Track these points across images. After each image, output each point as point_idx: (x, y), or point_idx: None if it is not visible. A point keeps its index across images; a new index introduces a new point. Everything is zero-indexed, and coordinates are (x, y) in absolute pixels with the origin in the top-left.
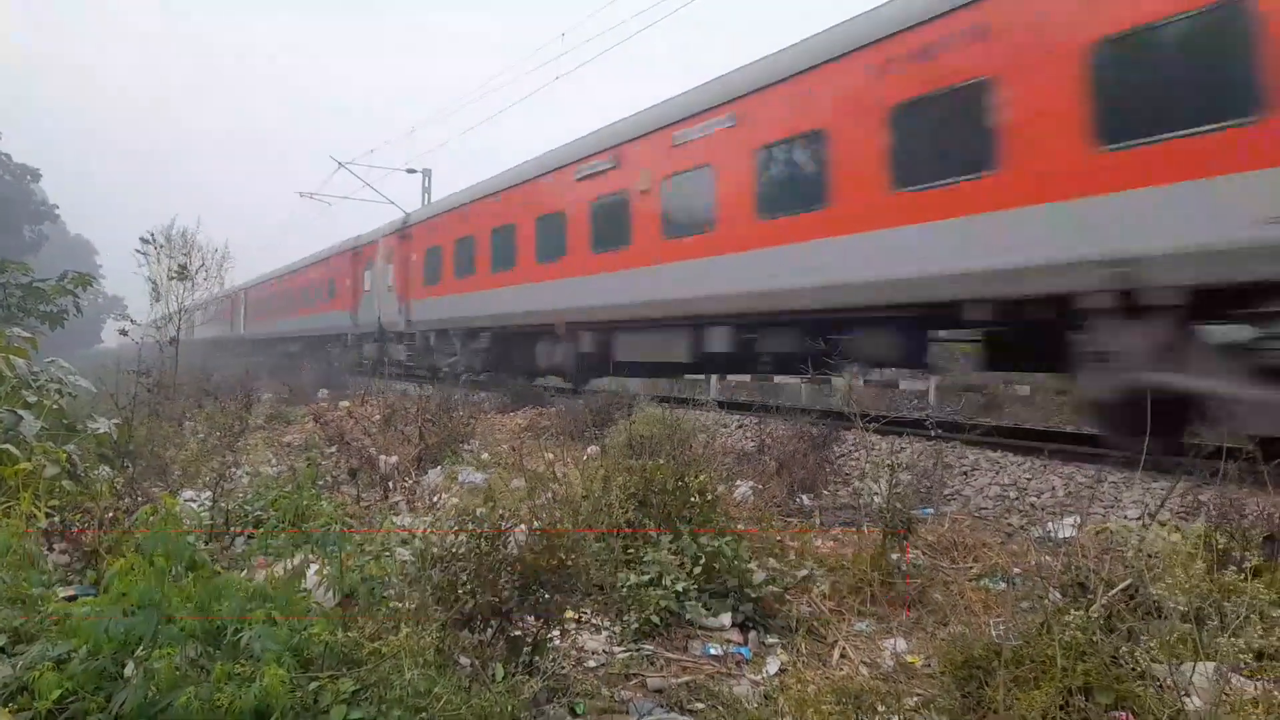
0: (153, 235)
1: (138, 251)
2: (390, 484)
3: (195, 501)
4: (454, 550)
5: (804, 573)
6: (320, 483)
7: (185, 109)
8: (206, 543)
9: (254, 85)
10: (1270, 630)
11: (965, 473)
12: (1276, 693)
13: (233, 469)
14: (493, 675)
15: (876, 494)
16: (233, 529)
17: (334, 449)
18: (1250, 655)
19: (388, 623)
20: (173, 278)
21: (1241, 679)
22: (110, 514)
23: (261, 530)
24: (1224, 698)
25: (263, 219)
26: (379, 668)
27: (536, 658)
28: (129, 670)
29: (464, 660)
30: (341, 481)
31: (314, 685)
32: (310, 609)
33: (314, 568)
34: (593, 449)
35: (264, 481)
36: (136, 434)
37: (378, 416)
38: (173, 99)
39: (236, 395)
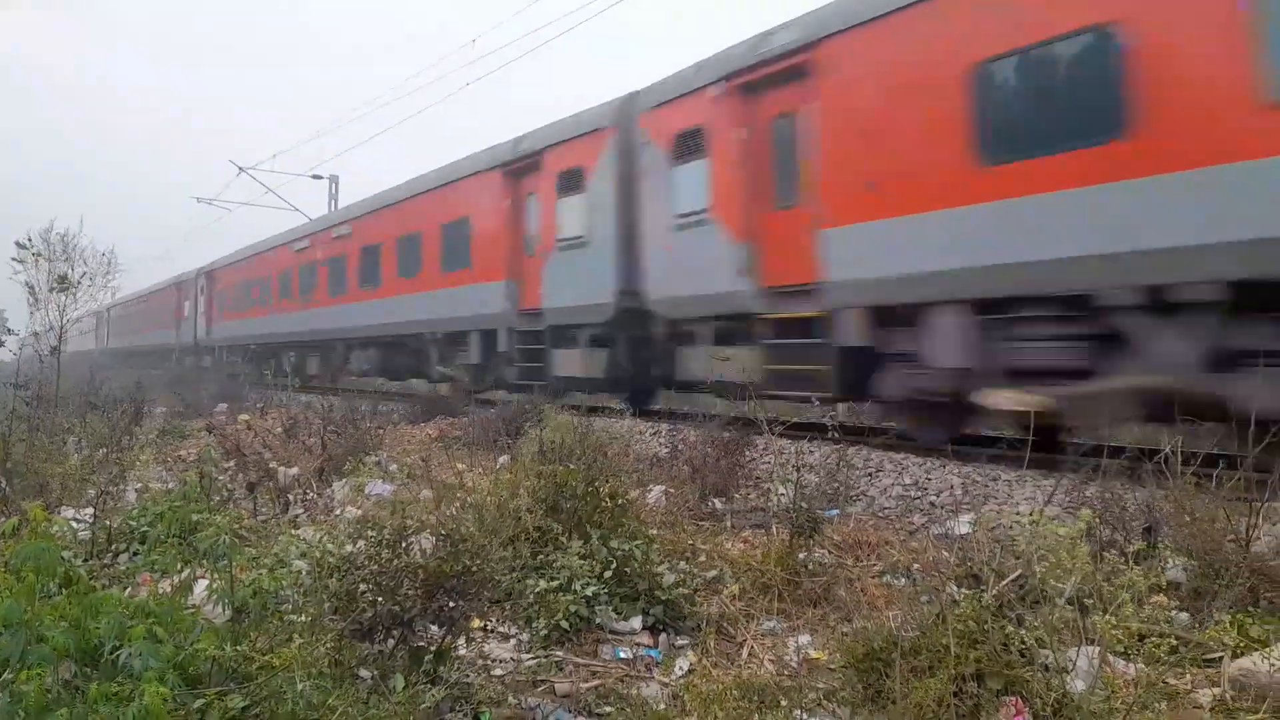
0: (29, 240)
1: (13, 260)
2: (290, 496)
3: (77, 519)
4: (352, 559)
5: (713, 574)
6: (216, 498)
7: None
8: (86, 560)
9: (152, 82)
10: (1143, 611)
11: (870, 474)
12: (1151, 671)
13: (118, 483)
14: (393, 686)
15: (784, 496)
16: (115, 545)
17: (231, 463)
18: (1127, 636)
19: (281, 635)
20: (53, 289)
21: (1121, 661)
22: None
23: (145, 545)
24: (1103, 678)
25: (161, 225)
26: (270, 682)
27: (440, 667)
28: None
29: (364, 673)
30: (239, 496)
31: (200, 703)
32: (197, 624)
33: (203, 583)
34: (504, 458)
35: (153, 497)
36: (14, 450)
37: (279, 429)
38: (52, 87)
39: (125, 408)
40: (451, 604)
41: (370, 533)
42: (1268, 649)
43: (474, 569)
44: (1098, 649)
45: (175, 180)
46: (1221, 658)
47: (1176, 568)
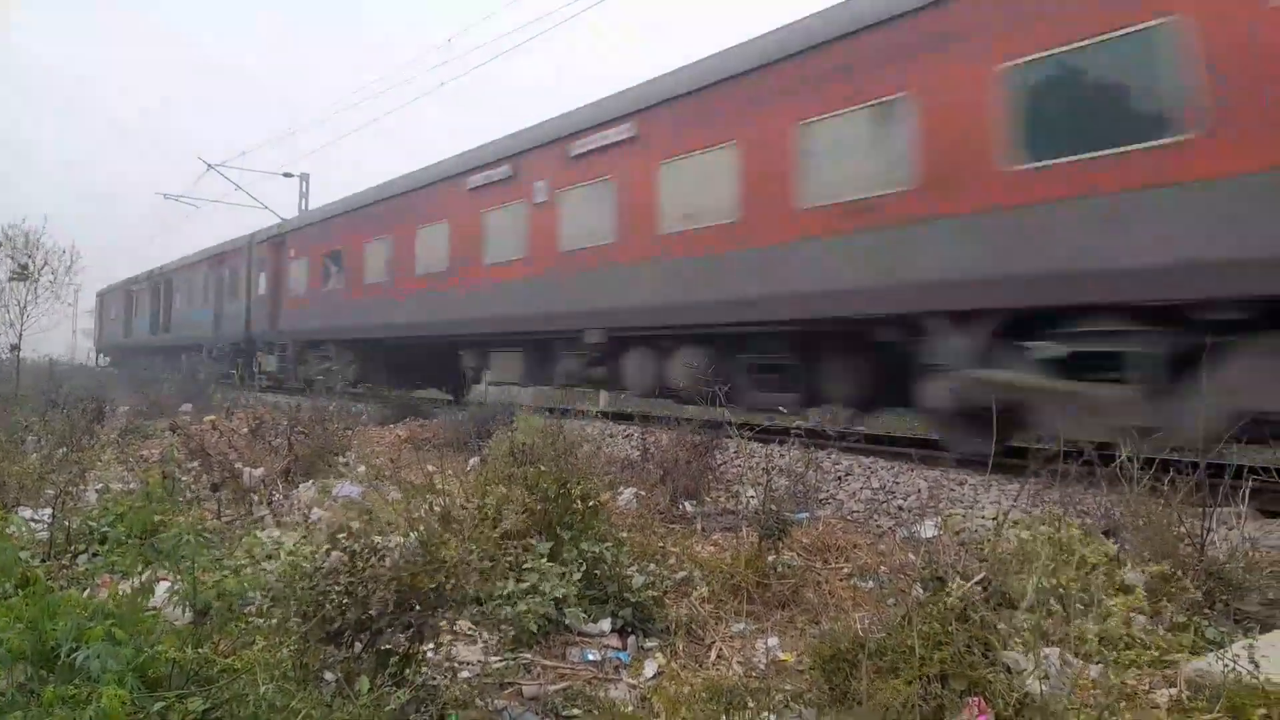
0: None
1: None
2: (254, 497)
3: (35, 519)
4: (321, 567)
5: (683, 576)
6: (180, 499)
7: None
8: (44, 560)
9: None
10: (1106, 616)
11: (839, 478)
12: (1112, 674)
13: (78, 483)
14: (358, 689)
15: (753, 499)
16: (74, 546)
17: (196, 464)
18: (1092, 639)
19: (244, 638)
20: (13, 278)
21: (1080, 661)
22: None
23: (105, 546)
24: (1066, 680)
25: (120, 220)
26: (232, 684)
27: (407, 670)
28: None
29: (329, 676)
30: (203, 498)
31: (159, 706)
32: (158, 626)
33: (165, 584)
34: (474, 460)
35: (114, 497)
36: None
37: (245, 430)
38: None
39: (86, 407)
40: (422, 612)
41: (345, 542)
42: (1222, 650)
43: (449, 584)
44: (1059, 650)
45: (138, 175)
46: (1178, 659)
47: (1135, 571)
